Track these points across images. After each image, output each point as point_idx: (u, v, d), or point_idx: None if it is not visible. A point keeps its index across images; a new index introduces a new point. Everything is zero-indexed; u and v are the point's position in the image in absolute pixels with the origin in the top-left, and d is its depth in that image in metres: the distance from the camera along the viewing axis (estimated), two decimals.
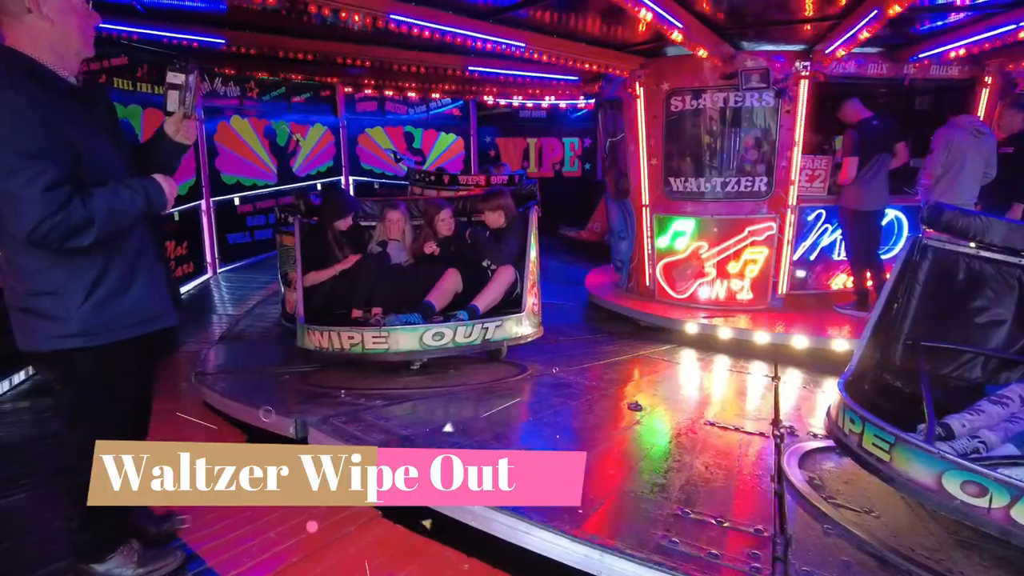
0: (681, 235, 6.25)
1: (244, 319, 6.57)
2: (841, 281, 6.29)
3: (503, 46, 5.63)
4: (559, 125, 13.04)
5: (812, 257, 6.17)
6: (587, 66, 6.66)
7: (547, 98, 10.00)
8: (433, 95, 10.21)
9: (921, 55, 5.66)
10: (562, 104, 11.36)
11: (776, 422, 3.72)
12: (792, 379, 4.84)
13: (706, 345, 5.60)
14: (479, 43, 5.42)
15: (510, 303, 4.73)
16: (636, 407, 3.82)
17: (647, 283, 6.59)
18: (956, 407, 3.01)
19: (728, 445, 3.35)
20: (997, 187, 5.64)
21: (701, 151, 6.07)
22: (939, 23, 5.40)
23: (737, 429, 3.58)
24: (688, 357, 5.38)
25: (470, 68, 7.12)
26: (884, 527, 2.61)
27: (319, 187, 10.61)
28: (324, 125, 10.92)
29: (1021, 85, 5.91)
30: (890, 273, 3.51)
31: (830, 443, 3.13)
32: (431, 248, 4.92)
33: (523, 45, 5.69)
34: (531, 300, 4.67)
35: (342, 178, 11.10)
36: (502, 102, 11.13)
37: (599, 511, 2.55)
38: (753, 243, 6.02)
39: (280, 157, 9.90)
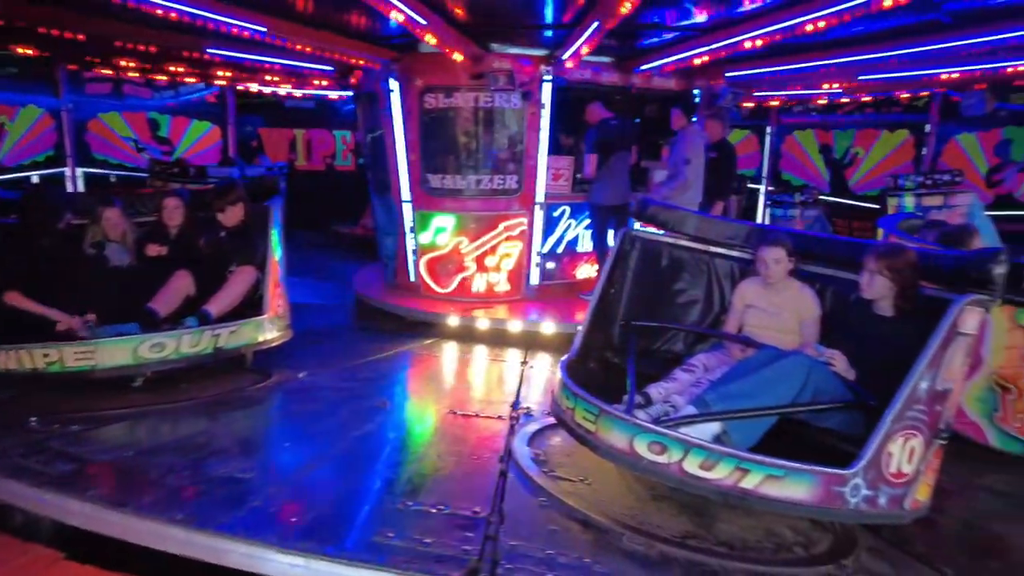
0: (443, 231, 6.35)
1: None
2: (586, 271, 6.85)
3: (242, 29, 5.24)
4: (329, 116, 12.54)
5: (560, 250, 6.64)
6: (341, 57, 6.47)
7: (309, 87, 9.56)
8: (187, 79, 9.25)
9: (643, 67, 6.35)
10: (332, 95, 10.95)
11: (515, 405, 3.92)
12: (541, 363, 5.15)
13: (468, 337, 5.76)
14: (211, 24, 4.98)
15: (253, 306, 4.40)
16: (383, 405, 3.78)
17: (412, 279, 6.61)
18: (661, 377, 3.41)
19: (466, 432, 3.45)
20: (710, 186, 6.55)
21: (457, 148, 6.21)
22: (655, 40, 6.10)
23: (478, 415, 3.72)
24: (449, 350, 5.49)
25: (209, 50, 6.53)
26: (594, 492, 2.87)
27: (35, 180, 9.04)
28: (40, 107, 9.32)
29: (721, 98, 6.91)
30: (607, 262, 3.87)
31: None
32: (156, 250, 4.42)
33: (264, 30, 5.34)
34: (276, 302, 4.40)
35: (67, 169, 9.54)
36: (267, 91, 10.43)
37: (313, 519, 2.47)
38: (508, 238, 6.32)
39: None
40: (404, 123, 6.29)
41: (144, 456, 3.00)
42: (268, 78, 8.87)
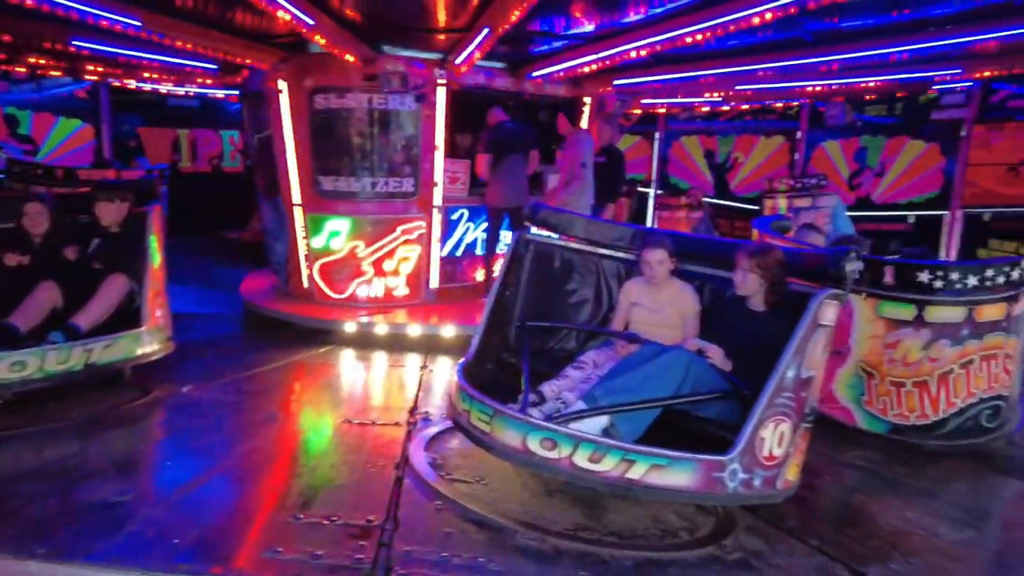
0: (337, 235, 6.20)
1: None
2: (484, 273, 6.90)
3: (113, 22, 4.89)
4: (215, 115, 11.92)
5: (459, 253, 6.65)
6: (225, 56, 6.18)
7: (191, 84, 9.04)
8: (51, 72, 8.46)
9: (535, 73, 6.49)
10: (219, 93, 10.41)
11: (413, 410, 3.90)
12: (442, 367, 5.14)
13: (366, 343, 5.65)
14: (75, 14, 4.62)
15: (129, 318, 4.12)
16: (273, 417, 3.65)
17: (305, 285, 6.41)
18: (555, 375, 3.50)
19: (362, 441, 3.40)
20: (600, 190, 6.77)
21: (351, 150, 6.08)
22: (546, 47, 6.25)
23: (374, 423, 3.67)
24: (346, 357, 5.37)
25: (76, 42, 6.04)
26: (491, 492, 2.90)
27: None
28: None
29: (609, 105, 7.18)
30: (503, 265, 3.92)
31: None
32: (16, 259, 4.04)
33: (139, 24, 5.02)
34: (156, 312, 4.14)
35: None
36: (147, 87, 9.75)
37: (197, 539, 2.35)
38: (406, 241, 6.26)
39: None
40: (293, 124, 6.10)
41: (2, 486, 2.73)
42: (147, 75, 8.30)
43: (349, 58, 5.63)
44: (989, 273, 3.60)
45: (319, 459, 3.09)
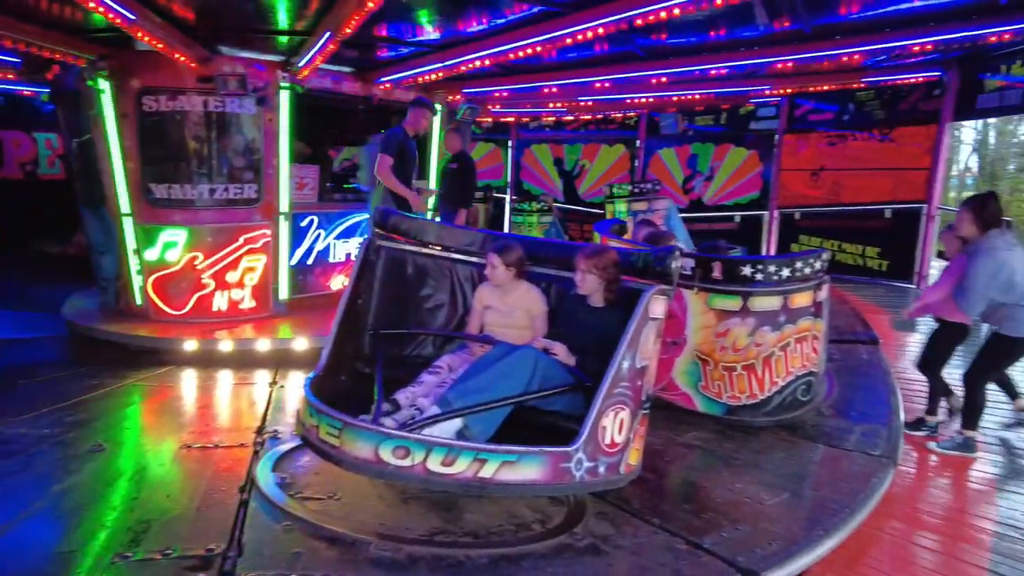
0: (172, 246, 5.76)
1: None
2: (340, 281, 6.73)
3: None
4: (27, 116, 10.58)
5: (310, 261, 6.42)
6: (30, 48, 5.51)
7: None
8: None
9: (383, 79, 6.43)
10: (26, 91, 9.23)
11: (261, 430, 3.71)
12: (294, 382, 4.93)
13: (209, 362, 5.29)
14: None
15: None
16: (99, 449, 3.31)
17: (139, 302, 5.89)
18: (410, 381, 3.47)
19: (203, 466, 3.18)
20: (449, 196, 6.85)
21: (186, 156, 5.68)
22: (393, 53, 6.21)
23: (218, 446, 3.44)
24: (187, 378, 4.99)
25: None
26: (344, 507, 2.83)
27: None
28: None
29: (459, 113, 7.28)
30: (351, 272, 3.84)
31: None
32: None
33: None
34: None
35: None
36: None
37: None
38: (251, 251, 5.94)
39: None
40: (119, 127, 5.59)
41: None
42: None
43: (180, 58, 5.25)
44: (799, 265, 4.06)
45: (153, 490, 2.84)
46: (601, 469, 2.85)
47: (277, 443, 3.49)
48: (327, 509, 2.77)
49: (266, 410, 4.11)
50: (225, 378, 5.01)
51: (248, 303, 6.00)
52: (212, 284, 5.84)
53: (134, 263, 5.81)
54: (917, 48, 5.85)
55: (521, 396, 2.95)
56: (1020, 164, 28.39)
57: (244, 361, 5.28)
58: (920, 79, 8.02)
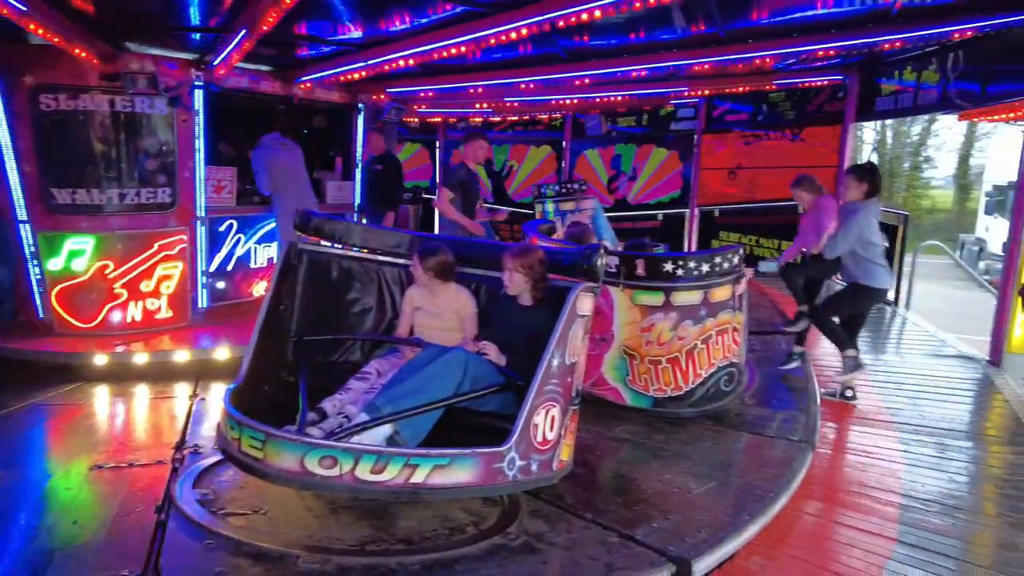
0: (79, 255, 5.41)
1: None
2: (263, 287, 6.50)
3: None
4: None
5: (230, 267, 6.18)
6: None
7: None
8: None
9: (303, 78, 6.25)
10: None
11: (180, 445, 3.54)
12: (216, 394, 4.72)
13: (123, 376, 4.99)
14: None
15: None
16: None
17: (41, 315, 5.50)
18: (338, 389, 3.39)
19: (116, 488, 3.00)
20: (378, 198, 6.73)
21: (92, 159, 5.35)
22: (313, 52, 6.05)
23: (132, 465, 3.26)
24: (98, 394, 4.69)
25: None
26: (270, 521, 2.73)
27: None
28: None
29: (384, 113, 7.17)
30: (271, 278, 3.71)
31: None
32: None
33: None
34: None
35: None
36: None
37: None
38: (166, 258, 5.66)
39: None
40: (12, 128, 5.21)
41: None
42: None
43: (81, 54, 4.93)
44: (717, 260, 4.20)
45: (58, 516, 2.65)
46: (534, 467, 2.87)
47: (198, 458, 3.33)
48: (252, 524, 2.66)
49: (186, 424, 3.92)
50: (141, 392, 4.74)
51: (165, 313, 5.71)
52: (125, 294, 5.52)
53: (35, 273, 5.43)
54: (821, 53, 6.18)
55: (452, 398, 2.93)
56: (914, 163, 30.55)
57: (161, 374, 5.02)
58: (825, 82, 8.49)
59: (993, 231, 16.80)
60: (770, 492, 3.26)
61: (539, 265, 3.25)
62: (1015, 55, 5.62)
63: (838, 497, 3.48)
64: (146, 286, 5.59)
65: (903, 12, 5.23)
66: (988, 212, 17.90)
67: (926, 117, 26.23)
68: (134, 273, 5.53)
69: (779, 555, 2.90)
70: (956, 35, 5.68)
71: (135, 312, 5.60)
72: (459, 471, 2.65)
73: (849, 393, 4.89)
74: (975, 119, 9.91)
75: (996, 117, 6.93)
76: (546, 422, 2.89)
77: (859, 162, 4.73)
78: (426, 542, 2.66)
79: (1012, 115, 6.42)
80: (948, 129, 29.26)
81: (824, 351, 5.98)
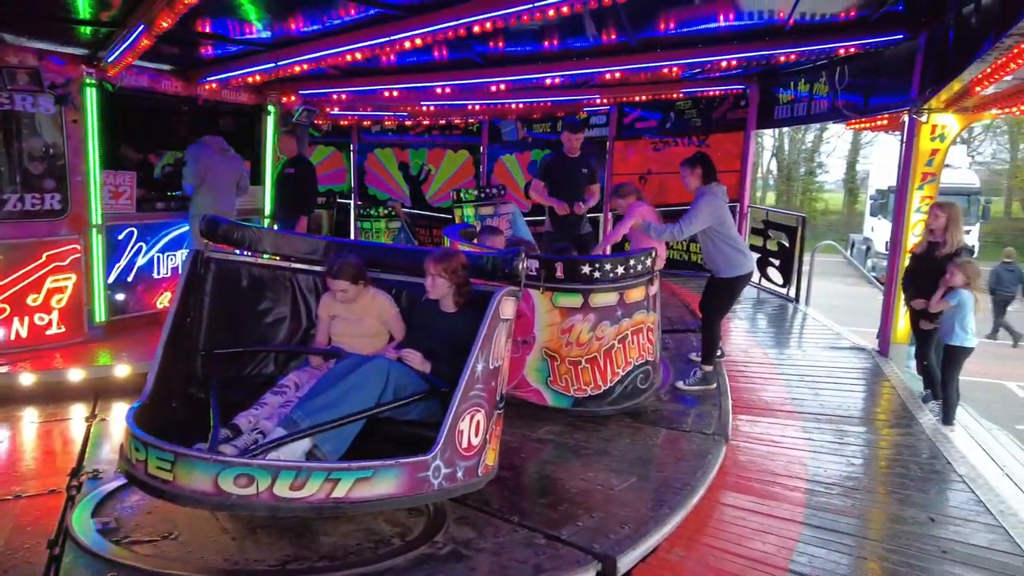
0: None
1: None
2: (168, 299, 6.15)
3: None
4: None
5: (130, 278, 5.81)
6: None
7: None
8: None
9: (209, 78, 5.97)
10: None
11: (76, 471, 3.28)
12: (118, 414, 4.41)
13: (7, 399, 4.58)
14: None
15: None
16: None
17: None
18: (252, 403, 3.23)
19: (1, 522, 2.73)
20: (290, 203, 6.51)
21: None
22: (219, 52, 5.79)
23: (19, 497, 2.99)
24: None
25: None
26: (182, 546, 2.58)
27: None
28: None
29: (295, 115, 6.95)
30: (175, 289, 3.50)
31: None
32: None
33: None
34: None
35: None
36: None
37: None
38: (57, 269, 5.25)
39: None
40: None
41: None
42: None
43: None
44: (631, 263, 4.33)
45: None
46: (459, 474, 2.84)
47: (98, 485, 3.09)
48: (161, 551, 2.50)
49: (83, 448, 3.63)
50: (28, 417, 4.37)
51: (56, 328, 5.28)
52: (7, 309, 5.07)
53: None
54: (724, 64, 6.51)
55: (374, 409, 2.86)
56: (808, 168, 32.67)
57: (53, 395, 4.63)
58: (729, 91, 8.94)
59: (878, 231, 18.21)
60: (688, 485, 3.38)
61: (462, 270, 3.24)
62: (891, 70, 6.12)
63: (751, 486, 3.65)
64: (34, 300, 5.16)
65: (796, 28, 5.60)
66: (873, 214, 19.39)
67: (818, 125, 28.16)
68: (19, 286, 5.09)
69: (699, 545, 3.01)
70: (841, 51, 6.14)
71: (20, 328, 5.15)
72: (383, 483, 2.58)
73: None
74: (860, 128, 10.68)
75: (877, 126, 7.52)
76: (471, 428, 2.87)
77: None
78: (351, 557, 2.58)
79: (890, 125, 6.99)
80: (838, 137, 31.57)
81: (734, 344, 6.29)
